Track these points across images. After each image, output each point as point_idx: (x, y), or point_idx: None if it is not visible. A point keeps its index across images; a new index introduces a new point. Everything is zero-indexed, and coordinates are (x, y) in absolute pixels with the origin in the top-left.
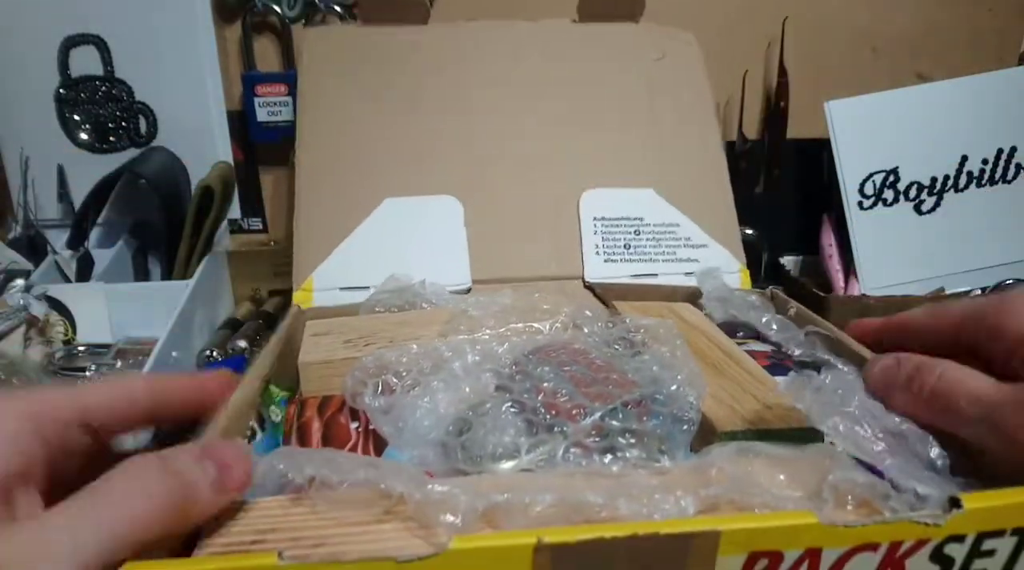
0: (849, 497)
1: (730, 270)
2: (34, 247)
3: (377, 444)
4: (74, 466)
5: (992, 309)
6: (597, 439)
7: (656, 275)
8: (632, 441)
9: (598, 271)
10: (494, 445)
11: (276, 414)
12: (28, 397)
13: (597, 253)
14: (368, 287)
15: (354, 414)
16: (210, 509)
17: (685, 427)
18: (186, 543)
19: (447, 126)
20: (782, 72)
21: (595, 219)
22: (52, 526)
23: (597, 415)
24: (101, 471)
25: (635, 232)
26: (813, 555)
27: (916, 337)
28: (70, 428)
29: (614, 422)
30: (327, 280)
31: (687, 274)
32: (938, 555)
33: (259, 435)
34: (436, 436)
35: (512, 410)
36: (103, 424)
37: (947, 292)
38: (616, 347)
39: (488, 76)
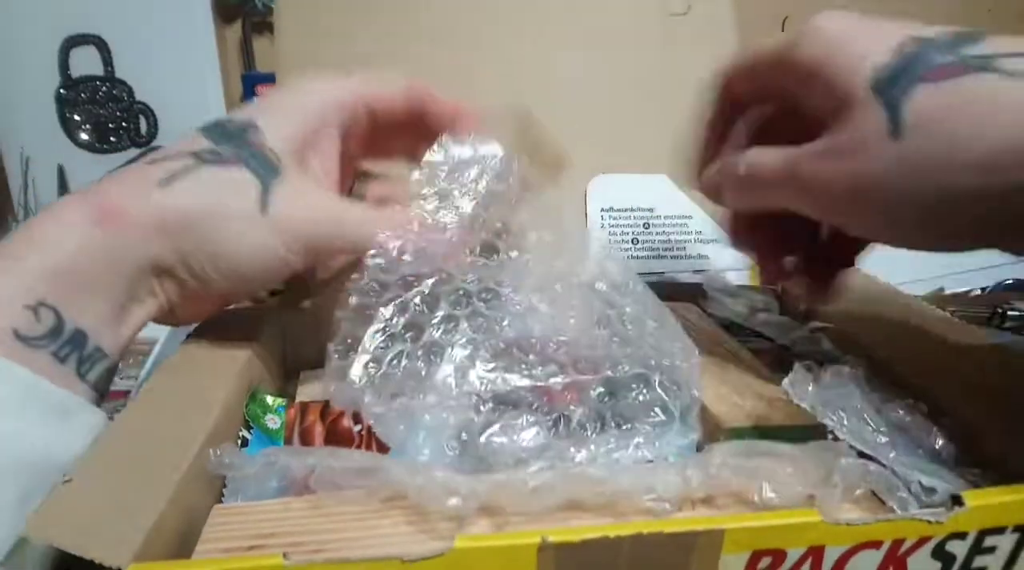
0: (857, 491)
1: (739, 267)
2: None
3: (381, 448)
4: (346, 150)
5: (785, 47)
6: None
7: (663, 273)
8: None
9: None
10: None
11: (275, 421)
12: (326, 82)
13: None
14: None
15: (357, 418)
16: None
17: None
18: (185, 547)
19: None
20: None
21: (603, 210)
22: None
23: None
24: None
25: (644, 225)
26: (816, 553)
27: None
28: (356, 112)
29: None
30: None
31: (696, 272)
32: (940, 552)
33: (251, 442)
34: (439, 443)
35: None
36: (377, 111)
37: (947, 292)
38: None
39: (493, 33)
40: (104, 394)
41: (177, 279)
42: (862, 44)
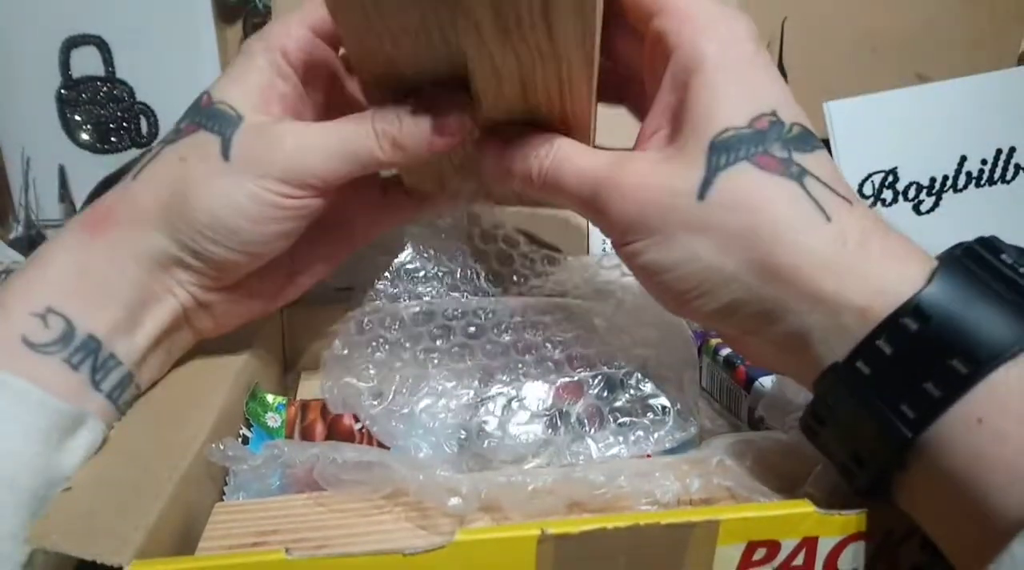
0: None
1: None
2: (35, 247)
3: (381, 448)
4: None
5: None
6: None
7: None
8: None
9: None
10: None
11: (275, 419)
12: (266, 34)
13: (604, 251)
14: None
15: (357, 416)
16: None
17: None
18: (187, 545)
19: None
20: (781, 73)
21: None
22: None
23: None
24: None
25: None
26: (809, 544)
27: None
28: (303, 45)
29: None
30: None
31: None
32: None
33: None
34: (438, 441)
35: (512, 404)
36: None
37: None
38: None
39: None
40: (122, 409)
41: (184, 266)
42: (733, 98)
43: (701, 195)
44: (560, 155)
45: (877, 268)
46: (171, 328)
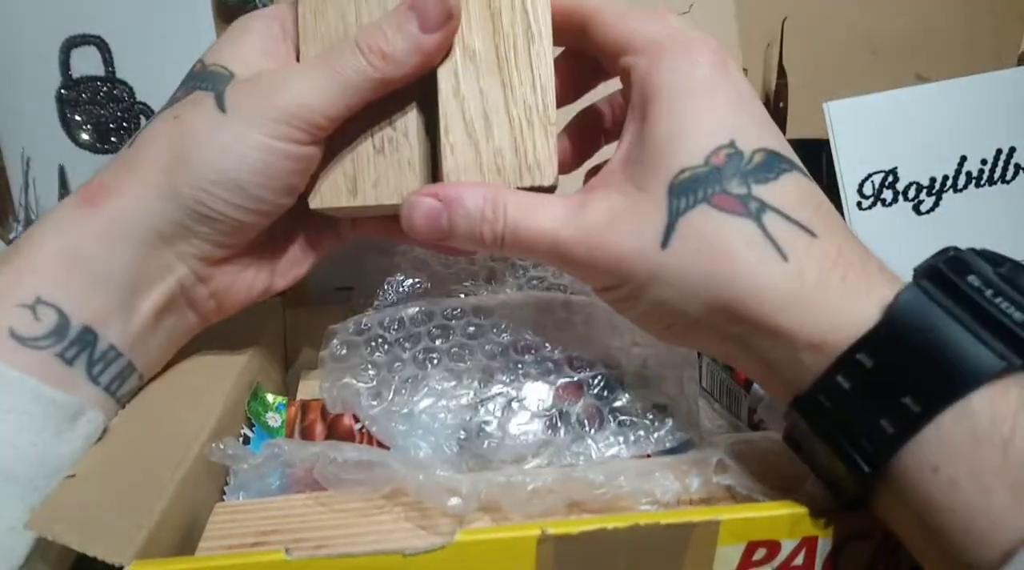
0: None
1: None
2: None
3: (381, 448)
4: None
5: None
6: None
7: None
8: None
9: None
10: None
11: (276, 419)
12: (266, 9)
13: None
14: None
15: (357, 416)
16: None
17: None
18: (187, 544)
19: None
20: (781, 73)
21: None
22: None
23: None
24: None
25: None
26: (809, 544)
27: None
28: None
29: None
30: (319, 279)
31: None
32: None
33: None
34: (437, 442)
35: (512, 404)
36: None
37: None
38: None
39: None
40: (122, 400)
41: (188, 233)
42: (688, 132)
43: (664, 243)
44: (511, 218)
45: (834, 303)
46: (169, 307)
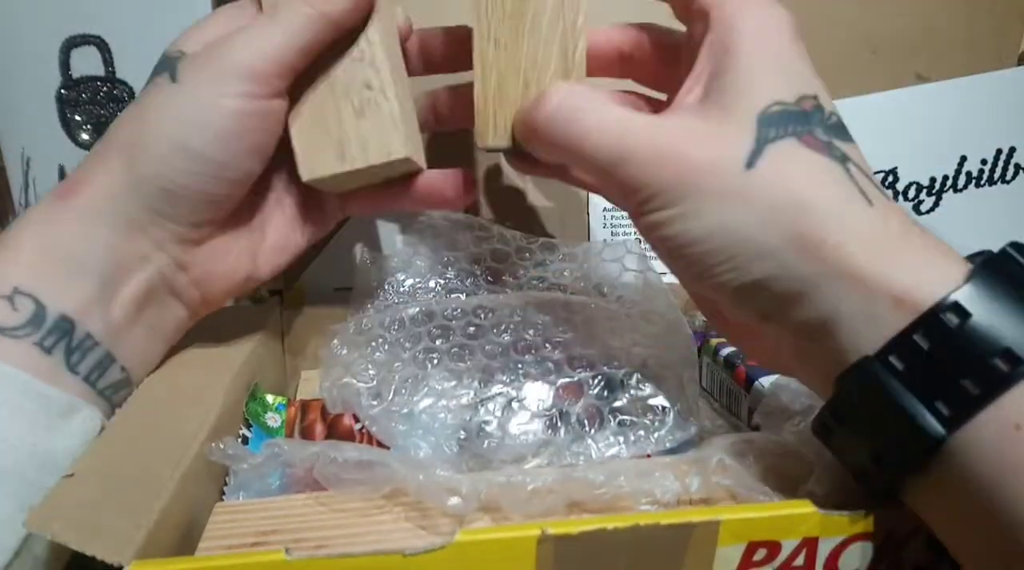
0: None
1: None
2: None
3: (381, 448)
4: None
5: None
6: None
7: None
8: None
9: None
10: (501, 444)
11: (275, 419)
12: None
13: (605, 241)
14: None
15: (357, 416)
16: None
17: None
18: (187, 544)
19: None
20: None
21: (605, 210)
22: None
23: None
24: None
25: None
26: (810, 544)
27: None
28: None
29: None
30: (318, 279)
31: None
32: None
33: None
34: (437, 441)
35: (512, 404)
36: None
37: None
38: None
39: None
40: (104, 393)
41: (159, 216)
42: (779, 74)
43: (750, 164)
44: (571, 102)
45: (918, 258)
46: (150, 297)
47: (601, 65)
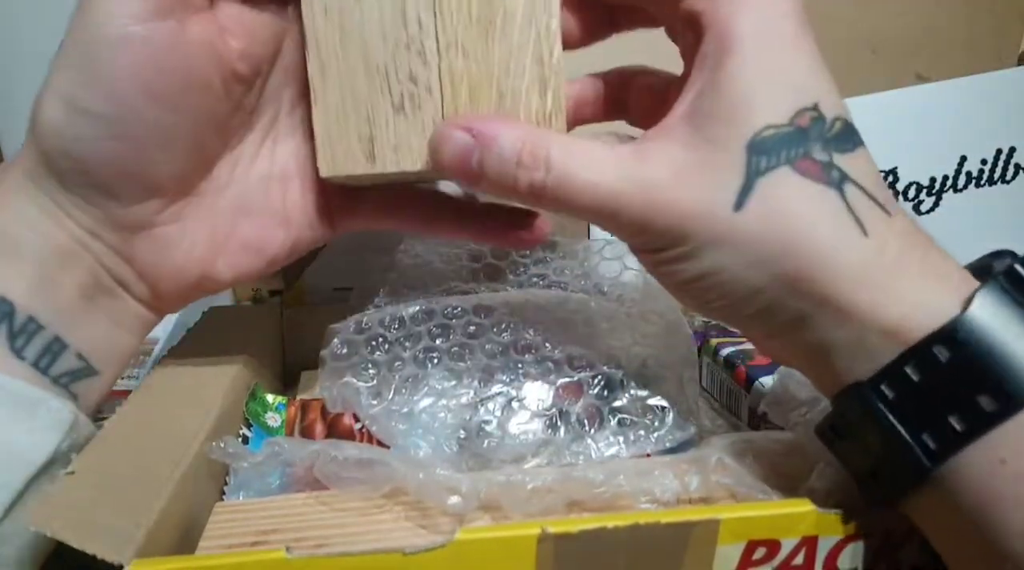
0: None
1: None
2: None
3: (382, 447)
4: None
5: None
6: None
7: None
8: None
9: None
10: (501, 443)
11: (275, 419)
12: None
13: (606, 240)
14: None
15: (357, 416)
16: None
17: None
18: (187, 544)
19: None
20: None
21: None
22: None
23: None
24: None
25: None
26: (809, 543)
27: None
28: None
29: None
30: (318, 279)
31: None
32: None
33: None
34: (437, 441)
35: (512, 403)
36: None
37: None
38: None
39: None
40: (60, 381)
41: (74, 191)
42: (773, 88)
43: (738, 205)
44: (556, 166)
45: (912, 287)
46: (98, 286)
47: (587, 115)
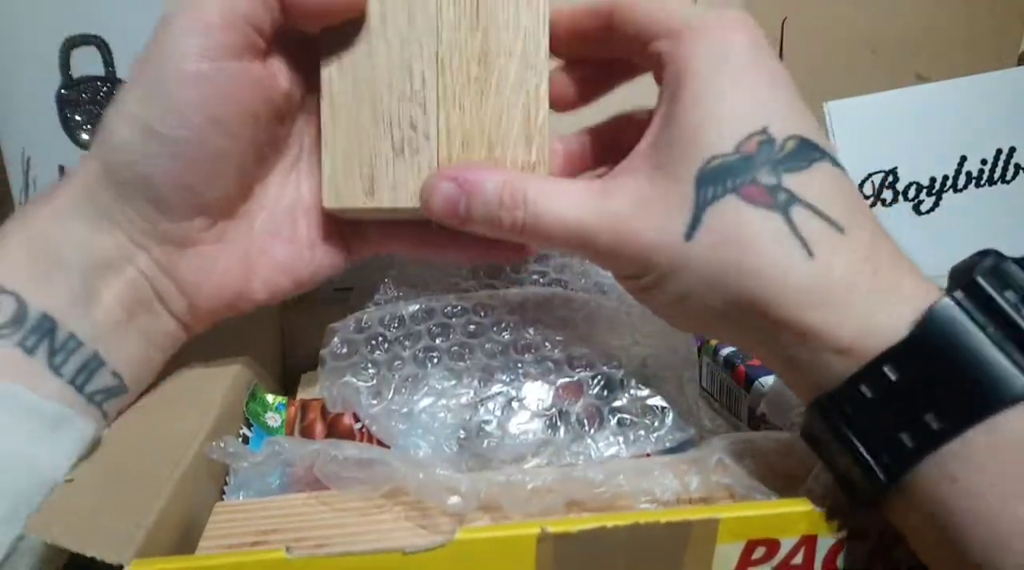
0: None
1: None
2: None
3: (382, 446)
4: None
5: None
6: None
7: None
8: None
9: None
10: (501, 443)
11: (275, 419)
12: None
13: None
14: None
15: (357, 416)
16: None
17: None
18: (187, 544)
19: None
20: None
21: None
22: None
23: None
24: None
25: None
26: (809, 542)
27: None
28: None
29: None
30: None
31: None
32: None
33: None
34: (437, 441)
35: (512, 403)
36: None
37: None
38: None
39: None
40: (95, 399)
41: (130, 205)
42: (719, 118)
43: (688, 235)
44: (532, 204)
45: (863, 305)
46: (137, 301)
47: (577, 167)
